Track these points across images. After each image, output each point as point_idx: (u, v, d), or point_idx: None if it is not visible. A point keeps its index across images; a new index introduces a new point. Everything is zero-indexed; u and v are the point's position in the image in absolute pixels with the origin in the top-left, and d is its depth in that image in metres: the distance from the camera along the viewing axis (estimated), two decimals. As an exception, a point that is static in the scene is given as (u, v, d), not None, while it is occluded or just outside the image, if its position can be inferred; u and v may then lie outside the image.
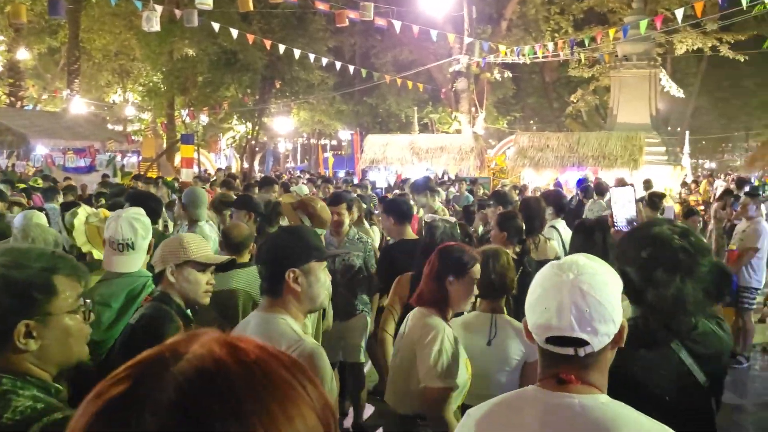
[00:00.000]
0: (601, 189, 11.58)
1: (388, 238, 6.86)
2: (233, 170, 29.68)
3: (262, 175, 27.26)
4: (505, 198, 7.21)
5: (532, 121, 44.11)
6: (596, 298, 1.60)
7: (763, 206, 11.59)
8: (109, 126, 32.22)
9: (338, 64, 22.92)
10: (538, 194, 15.15)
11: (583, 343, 1.61)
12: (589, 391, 1.65)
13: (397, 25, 18.58)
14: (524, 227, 5.15)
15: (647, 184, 15.71)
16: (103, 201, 7.98)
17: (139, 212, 3.66)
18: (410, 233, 5.69)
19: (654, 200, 8.93)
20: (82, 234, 4.18)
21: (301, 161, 49.83)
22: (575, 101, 34.66)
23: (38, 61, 33.13)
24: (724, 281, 2.27)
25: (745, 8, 13.27)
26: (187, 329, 3.01)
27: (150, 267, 3.47)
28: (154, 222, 4.59)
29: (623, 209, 3.34)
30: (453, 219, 6.18)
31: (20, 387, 1.69)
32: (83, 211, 4.40)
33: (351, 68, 23.05)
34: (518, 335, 3.38)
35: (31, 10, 24.87)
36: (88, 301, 1.90)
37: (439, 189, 14.46)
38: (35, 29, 30.20)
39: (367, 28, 27.35)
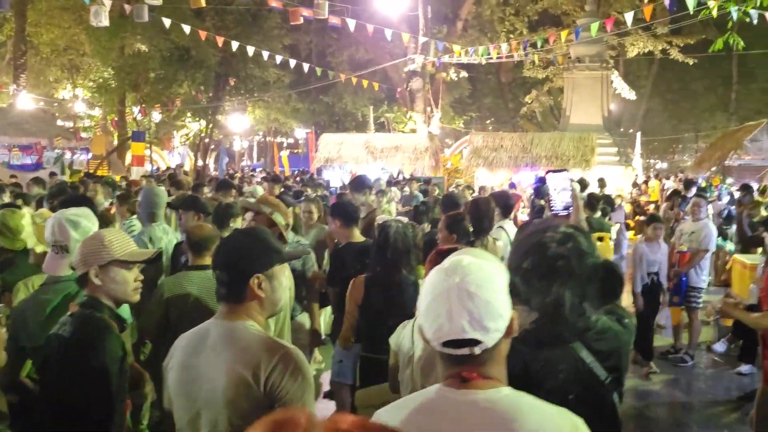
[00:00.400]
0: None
1: (336, 240, 6.81)
2: (186, 168, 29.25)
3: (216, 173, 26.94)
4: (452, 203, 7.16)
5: (488, 121, 44.44)
6: (483, 298, 1.66)
7: (710, 207, 11.88)
8: (59, 122, 31.43)
9: (293, 62, 22.74)
10: (487, 194, 15.33)
11: (477, 342, 1.66)
12: (491, 386, 1.72)
13: (352, 23, 18.49)
14: (472, 228, 5.15)
15: (601, 182, 15.97)
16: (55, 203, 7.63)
17: (79, 213, 3.53)
18: (358, 235, 5.61)
19: (592, 202, 9.05)
20: (32, 234, 4.10)
21: (258, 159, 49.42)
22: (530, 102, 35.02)
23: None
24: (613, 280, 2.33)
25: (691, 12, 13.51)
26: (122, 331, 2.90)
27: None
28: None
29: (560, 195, 3.33)
30: (405, 219, 6.15)
31: None
32: (27, 211, 4.33)
33: (306, 66, 22.86)
34: None
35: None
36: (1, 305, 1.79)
37: (393, 189, 14.52)
38: (-23, 23, 29.29)
39: (323, 26, 27.24)
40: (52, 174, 17.53)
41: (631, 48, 30.76)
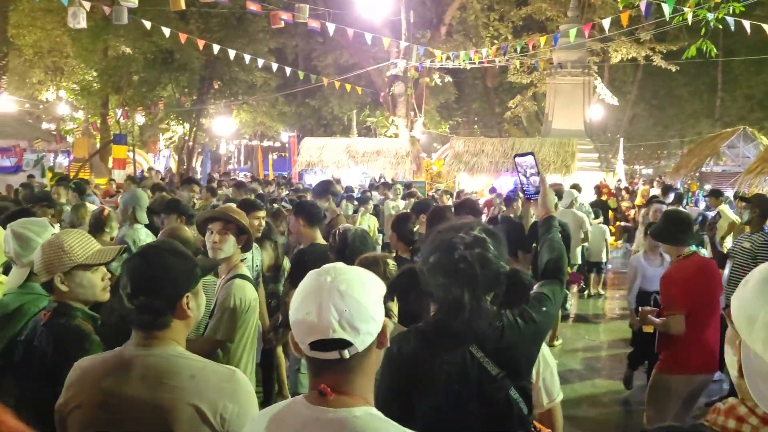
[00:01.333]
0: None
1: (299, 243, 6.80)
2: (173, 171, 29.18)
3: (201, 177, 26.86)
4: (423, 209, 7.11)
5: (476, 126, 44.53)
6: (354, 298, 1.64)
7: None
8: (44, 125, 31.32)
9: (275, 66, 22.72)
10: (464, 198, 15.34)
11: (347, 344, 1.63)
12: (346, 404, 1.67)
13: (331, 27, 18.49)
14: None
15: (576, 188, 15.98)
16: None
17: (27, 223, 3.46)
18: (320, 238, 5.58)
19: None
20: None
21: (245, 163, 49.31)
22: (514, 107, 35.09)
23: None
24: (518, 289, 2.38)
25: (667, 19, 13.58)
26: (95, 327, 2.84)
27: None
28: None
29: (530, 179, 3.31)
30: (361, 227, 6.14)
31: None
32: None
33: (288, 70, 22.84)
34: None
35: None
36: None
37: (374, 193, 14.50)
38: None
39: (309, 31, 27.23)
40: (30, 176, 17.43)
41: (615, 54, 30.87)
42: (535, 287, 2.58)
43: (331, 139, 27.87)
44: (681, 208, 9.93)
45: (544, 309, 2.48)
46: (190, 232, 4.91)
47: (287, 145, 35.49)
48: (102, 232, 5.88)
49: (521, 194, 3.70)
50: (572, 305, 12.03)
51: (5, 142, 21.22)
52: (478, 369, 2.32)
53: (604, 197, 17.37)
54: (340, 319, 1.62)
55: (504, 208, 10.40)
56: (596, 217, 13.18)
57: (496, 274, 2.32)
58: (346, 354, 1.63)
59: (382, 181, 20.39)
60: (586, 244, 11.60)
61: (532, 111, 37.24)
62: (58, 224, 6.83)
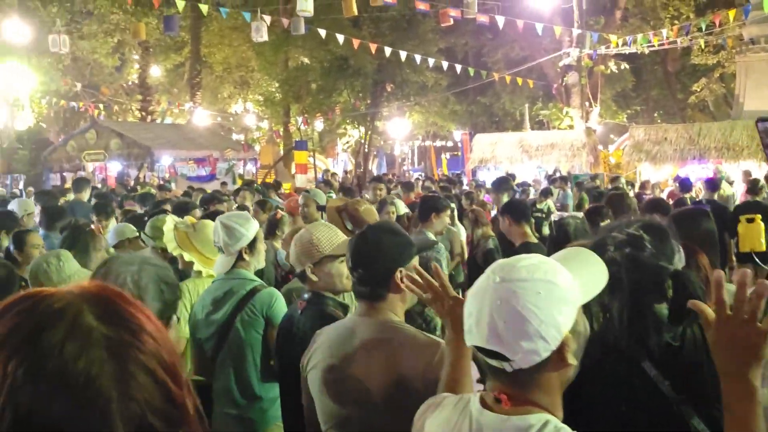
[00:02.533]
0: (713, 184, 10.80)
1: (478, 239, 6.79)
2: (353, 173, 30.34)
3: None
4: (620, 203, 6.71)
5: (655, 114, 42.14)
6: (518, 309, 1.41)
7: None
8: (234, 136, 33.77)
9: (445, 64, 22.89)
10: (657, 192, 14.57)
11: (507, 358, 1.43)
12: (524, 411, 1.47)
13: (501, 20, 18.33)
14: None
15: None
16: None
17: (233, 216, 3.84)
18: (531, 235, 5.38)
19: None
20: (172, 240, 4.36)
21: (418, 164, 50.07)
22: (699, 90, 32.78)
23: (166, 77, 35.26)
24: (682, 297, 1.94)
25: None
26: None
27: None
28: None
29: None
30: (580, 214, 6.01)
31: None
32: (170, 219, 4.65)
33: (458, 68, 22.92)
34: None
35: (157, 29, 26.43)
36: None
37: (552, 188, 14.23)
38: (162, 47, 32.20)
39: (478, 27, 27.16)
40: (224, 184, 18.84)
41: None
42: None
43: (504, 134, 27.58)
44: None
45: None
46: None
47: (459, 143, 35.59)
48: (274, 235, 6.20)
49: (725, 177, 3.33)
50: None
51: (200, 153, 23.13)
52: (650, 390, 1.98)
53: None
54: (494, 330, 1.42)
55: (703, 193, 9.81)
56: None
57: (655, 277, 2.00)
58: (508, 367, 1.44)
59: (558, 174, 19.91)
60: None
61: (719, 94, 34.58)
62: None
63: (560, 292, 1.45)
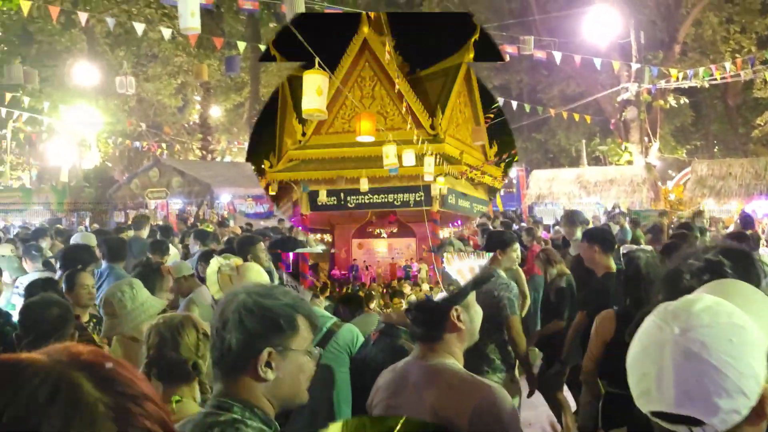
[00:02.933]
0: None
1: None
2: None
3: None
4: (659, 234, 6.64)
5: (716, 149, 41.19)
6: (712, 363, 1.21)
7: None
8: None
9: (501, 101, 22.86)
10: (720, 228, 14.21)
11: (699, 422, 1.23)
12: None
13: (558, 56, 18.28)
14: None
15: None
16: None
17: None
18: (613, 266, 5.23)
19: None
20: (215, 283, 4.38)
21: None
22: (763, 124, 31.98)
23: (225, 117, 36.17)
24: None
25: None
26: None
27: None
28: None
29: None
30: (649, 247, 5.88)
31: (248, 417, 1.67)
32: (215, 261, 4.68)
33: (514, 104, 22.88)
34: None
35: (218, 70, 27.23)
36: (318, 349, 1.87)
37: (610, 224, 14.01)
38: (223, 88, 33.12)
39: (533, 64, 27.13)
40: (281, 220, 19.11)
41: None
42: None
43: (560, 170, 27.38)
44: None
45: None
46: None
47: (514, 179, 35.39)
48: None
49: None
50: None
51: (259, 190, 23.54)
52: None
53: None
54: (687, 392, 1.22)
55: None
56: None
57: None
58: None
59: (618, 210, 19.58)
60: None
61: (785, 127, 33.68)
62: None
63: (750, 337, 1.27)
